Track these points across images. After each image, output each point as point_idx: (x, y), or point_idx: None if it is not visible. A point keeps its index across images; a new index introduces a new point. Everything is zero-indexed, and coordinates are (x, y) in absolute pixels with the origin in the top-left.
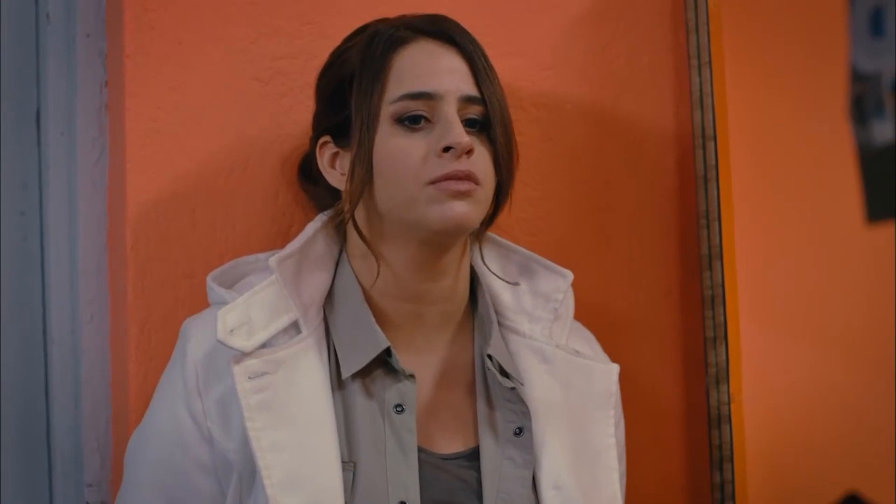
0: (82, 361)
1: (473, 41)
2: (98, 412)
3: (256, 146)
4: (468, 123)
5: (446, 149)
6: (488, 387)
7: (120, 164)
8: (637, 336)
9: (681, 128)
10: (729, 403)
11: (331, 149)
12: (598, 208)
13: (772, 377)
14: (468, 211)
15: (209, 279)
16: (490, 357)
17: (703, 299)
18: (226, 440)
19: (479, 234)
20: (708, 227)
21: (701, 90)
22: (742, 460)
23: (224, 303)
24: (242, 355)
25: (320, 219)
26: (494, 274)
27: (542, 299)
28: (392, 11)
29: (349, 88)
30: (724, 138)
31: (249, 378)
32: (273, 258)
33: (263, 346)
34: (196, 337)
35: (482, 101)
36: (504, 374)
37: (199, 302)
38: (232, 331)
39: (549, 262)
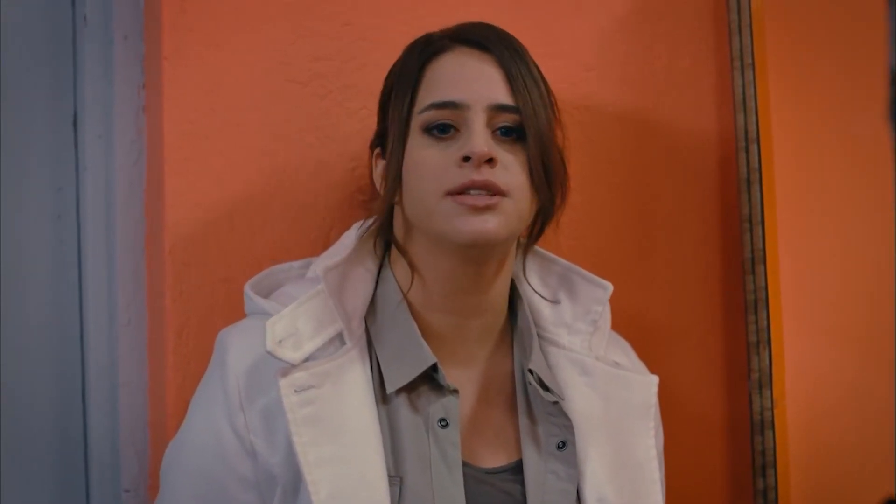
0: (119, 366)
1: (512, 47)
2: (135, 417)
3: (295, 149)
4: (502, 132)
5: (466, 158)
6: (529, 401)
7: (158, 167)
8: (679, 340)
9: (723, 130)
10: (772, 409)
11: (381, 161)
12: (640, 212)
13: (815, 382)
14: (490, 226)
15: (247, 288)
16: (531, 371)
17: (745, 304)
18: (270, 454)
19: (526, 248)
20: (751, 230)
21: (744, 92)
22: (785, 466)
23: (263, 313)
24: (290, 367)
25: (358, 226)
26: (537, 292)
27: (581, 311)
28: (431, 13)
29: (389, 99)
30: (768, 141)
31: (296, 391)
32: (321, 268)
33: (308, 358)
34: (236, 348)
35: (517, 109)
36: (544, 387)
37: (237, 307)
38: (280, 342)
39: (588, 274)
